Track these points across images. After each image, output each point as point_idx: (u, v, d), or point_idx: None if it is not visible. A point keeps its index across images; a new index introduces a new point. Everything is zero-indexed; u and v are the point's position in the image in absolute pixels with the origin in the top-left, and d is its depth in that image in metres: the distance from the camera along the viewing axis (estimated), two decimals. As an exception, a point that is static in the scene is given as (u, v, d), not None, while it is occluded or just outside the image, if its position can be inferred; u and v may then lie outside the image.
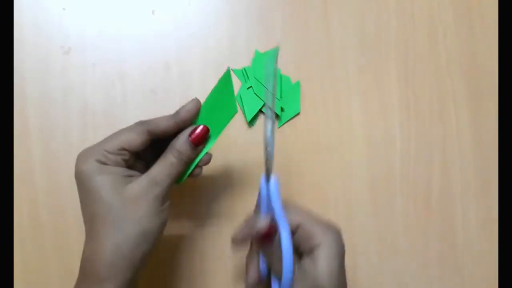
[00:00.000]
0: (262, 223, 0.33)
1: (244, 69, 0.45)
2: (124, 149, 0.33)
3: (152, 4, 0.46)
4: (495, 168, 0.47)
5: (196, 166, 0.36)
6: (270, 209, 0.34)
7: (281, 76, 0.46)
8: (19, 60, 0.44)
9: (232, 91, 0.34)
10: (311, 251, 0.33)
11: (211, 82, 0.37)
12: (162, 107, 0.45)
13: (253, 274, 0.37)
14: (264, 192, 0.35)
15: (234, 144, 0.45)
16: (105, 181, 0.32)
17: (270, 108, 0.33)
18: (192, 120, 0.36)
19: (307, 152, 0.46)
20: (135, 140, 0.34)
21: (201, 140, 0.35)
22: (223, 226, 0.45)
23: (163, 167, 0.34)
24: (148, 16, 0.46)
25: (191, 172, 0.37)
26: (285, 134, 0.46)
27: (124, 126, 0.44)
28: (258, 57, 0.46)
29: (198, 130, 0.35)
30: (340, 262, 0.33)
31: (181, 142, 0.35)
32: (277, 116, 0.46)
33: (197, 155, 0.36)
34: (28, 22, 0.45)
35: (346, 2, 0.47)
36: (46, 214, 0.44)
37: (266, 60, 0.34)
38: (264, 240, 0.33)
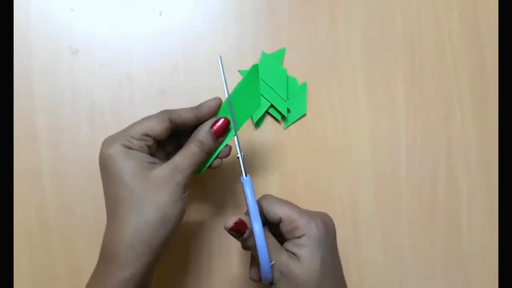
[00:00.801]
0: (228, 221, 0.34)
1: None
2: (147, 135, 0.35)
3: (159, 5, 0.46)
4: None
5: (216, 157, 0.38)
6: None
7: (287, 77, 0.46)
8: (27, 60, 0.45)
9: (258, 86, 0.36)
10: (294, 240, 0.35)
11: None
12: (169, 107, 0.45)
13: (253, 273, 0.38)
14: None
15: (241, 144, 0.45)
16: (129, 166, 0.33)
17: (232, 120, 0.36)
18: (211, 115, 0.37)
19: (314, 152, 0.46)
20: (158, 126, 0.35)
21: (222, 132, 0.36)
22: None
23: (185, 156, 0.35)
24: (156, 17, 0.46)
25: (211, 163, 0.38)
26: (291, 135, 0.46)
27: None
28: (265, 58, 0.46)
29: (220, 122, 0.36)
30: (325, 248, 0.35)
31: (203, 133, 0.36)
32: (283, 117, 0.46)
33: (218, 146, 0.37)
34: (37, 23, 0.45)
35: (353, 3, 0.47)
36: (54, 214, 0.44)
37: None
38: (237, 235, 0.34)
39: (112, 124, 0.44)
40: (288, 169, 0.46)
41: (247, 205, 0.36)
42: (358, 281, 0.46)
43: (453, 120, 0.47)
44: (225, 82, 0.37)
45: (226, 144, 0.38)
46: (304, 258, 0.34)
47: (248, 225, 0.34)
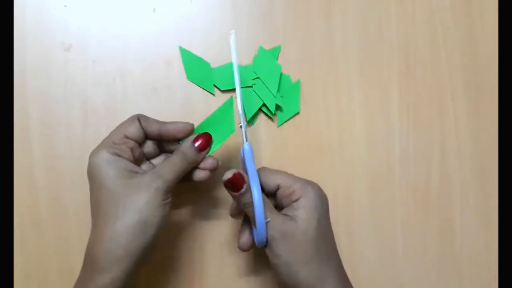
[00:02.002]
0: (227, 173, 0.35)
1: (246, 67, 0.46)
2: (126, 137, 0.36)
3: (153, 1, 0.46)
4: (494, 168, 0.47)
5: (203, 169, 0.38)
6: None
7: (281, 75, 0.46)
8: (20, 56, 0.44)
9: (232, 115, 0.38)
10: (291, 204, 0.36)
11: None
12: (163, 104, 0.45)
13: (243, 240, 0.39)
14: (242, 158, 0.38)
15: (234, 142, 0.45)
16: (112, 172, 0.34)
17: (238, 85, 0.37)
18: (177, 136, 0.38)
19: (307, 150, 0.46)
20: (131, 126, 0.37)
21: (205, 146, 0.37)
22: (222, 220, 0.45)
23: (166, 164, 0.36)
24: (150, 13, 0.46)
25: (193, 177, 0.38)
26: (284, 133, 0.46)
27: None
28: (261, 53, 0.46)
29: (203, 137, 0.37)
30: (320, 212, 0.36)
31: (186, 144, 0.37)
32: (276, 114, 0.46)
33: (202, 158, 0.38)
34: (30, 19, 0.45)
35: (348, 2, 0.47)
36: (47, 210, 0.44)
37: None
38: (234, 189, 0.35)
39: (105, 120, 0.44)
40: (281, 167, 0.46)
41: (244, 170, 0.36)
42: (352, 279, 0.45)
43: (446, 119, 0.47)
44: (235, 57, 0.38)
45: (214, 157, 0.39)
46: (300, 218, 0.35)
47: (246, 180, 0.35)
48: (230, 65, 0.45)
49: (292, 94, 0.46)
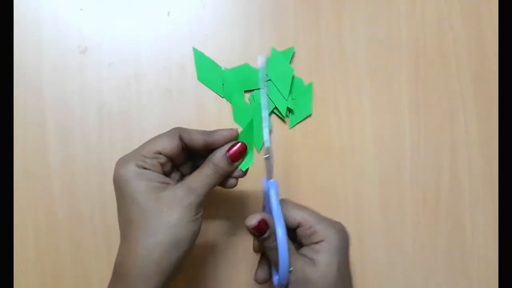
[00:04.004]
0: (251, 219, 0.34)
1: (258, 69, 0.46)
2: (159, 153, 0.34)
3: (167, 5, 0.46)
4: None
5: (232, 177, 0.37)
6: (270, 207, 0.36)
7: (293, 78, 0.46)
8: (37, 59, 0.45)
9: (252, 144, 0.37)
10: (312, 246, 0.35)
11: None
12: (177, 108, 0.46)
13: (261, 274, 0.38)
14: (265, 192, 0.37)
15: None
16: (142, 186, 0.33)
17: (266, 117, 0.34)
18: (222, 144, 0.36)
19: (318, 153, 0.47)
20: (168, 143, 0.35)
21: (238, 156, 0.36)
22: (234, 231, 0.46)
23: (198, 177, 0.35)
24: (164, 17, 0.46)
25: (225, 185, 0.37)
26: (296, 135, 0.46)
27: (139, 126, 0.46)
28: (274, 55, 0.46)
29: (236, 147, 0.36)
30: (342, 258, 0.35)
31: (219, 156, 0.36)
32: (286, 116, 0.46)
33: (233, 169, 0.36)
34: (46, 22, 0.46)
35: (358, 7, 0.48)
36: (62, 213, 0.44)
37: (260, 68, 0.36)
38: (257, 235, 0.34)
39: (120, 123, 0.45)
40: (293, 168, 0.46)
41: (268, 207, 0.36)
42: (362, 281, 0.46)
43: (456, 123, 0.48)
44: (263, 83, 0.36)
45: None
46: (321, 263, 0.34)
47: (270, 225, 0.34)
48: (240, 68, 0.46)
49: (304, 96, 0.46)
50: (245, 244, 0.45)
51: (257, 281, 0.38)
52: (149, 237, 0.32)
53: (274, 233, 0.34)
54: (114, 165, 0.44)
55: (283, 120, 0.46)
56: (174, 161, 0.37)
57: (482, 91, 0.48)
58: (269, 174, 0.36)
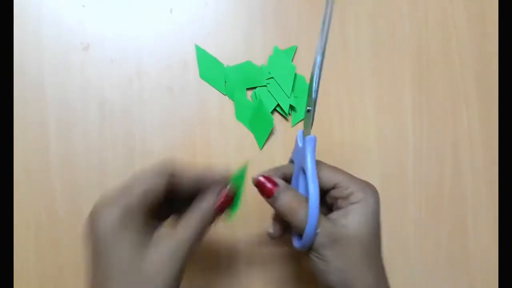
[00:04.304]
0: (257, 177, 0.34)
1: (261, 67, 0.46)
2: (146, 197, 0.31)
3: (170, 3, 0.46)
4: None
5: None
6: (302, 163, 0.34)
7: (296, 75, 0.46)
8: (39, 55, 0.45)
9: (242, 187, 0.35)
10: (347, 207, 0.34)
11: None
12: (179, 105, 0.46)
13: (275, 230, 0.37)
14: (299, 146, 0.35)
15: (249, 143, 0.46)
16: (125, 244, 0.29)
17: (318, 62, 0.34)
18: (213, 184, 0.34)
19: (320, 150, 0.47)
20: (159, 185, 0.31)
21: (225, 209, 0.34)
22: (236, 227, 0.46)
23: (188, 228, 0.32)
24: (166, 14, 0.46)
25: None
26: (298, 133, 0.46)
27: (141, 123, 0.46)
28: (276, 53, 0.46)
29: (223, 200, 0.34)
30: (376, 219, 0.34)
31: (206, 208, 0.33)
32: (289, 114, 0.46)
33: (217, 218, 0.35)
34: (48, 18, 0.46)
35: (361, 6, 0.48)
36: (63, 209, 0.44)
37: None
38: (265, 194, 0.34)
39: (121, 121, 0.45)
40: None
41: (298, 162, 0.35)
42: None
43: (459, 122, 0.48)
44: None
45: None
46: (355, 223, 0.33)
47: (279, 184, 0.33)
48: (242, 65, 0.46)
49: (306, 94, 0.46)
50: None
51: (271, 236, 0.37)
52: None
53: (282, 194, 0.33)
54: (115, 165, 0.45)
55: (285, 118, 0.46)
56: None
57: (485, 90, 0.48)
58: (307, 129, 0.34)
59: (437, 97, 0.48)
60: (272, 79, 0.46)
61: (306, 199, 0.33)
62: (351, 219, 0.33)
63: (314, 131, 0.46)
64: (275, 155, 0.46)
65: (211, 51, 0.46)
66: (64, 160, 0.45)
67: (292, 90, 0.46)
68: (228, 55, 0.46)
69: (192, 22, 0.46)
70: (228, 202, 0.34)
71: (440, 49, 0.48)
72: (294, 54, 0.47)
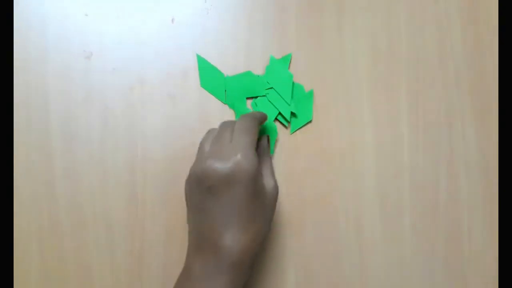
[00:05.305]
0: None
1: (259, 77, 0.47)
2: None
3: (172, 12, 0.47)
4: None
5: None
6: None
7: (293, 83, 0.47)
8: (42, 63, 0.46)
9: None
10: None
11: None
12: (180, 113, 0.46)
13: None
14: None
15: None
16: (260, 185, 0.37)
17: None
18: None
19: (319, 157, 0.48)
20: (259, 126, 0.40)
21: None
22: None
23: (271, 169, 0.41)
24: (168, 23, 0.47)
25: None
26: (297, 141, 0.47)
27: (142, 131, 0.46)
28: (273, 63, 0.47)
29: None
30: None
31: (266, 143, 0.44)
32: (288, 122, 0.47)
33: None
34: (52, 27, 0.46)
35: (359, 15, 0.48)
36: (65, 217, 0.45)
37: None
38: None
39: (123, 129, 0.46)
40: (294, 172, 0.47)
41: None
42: (360, 283, 0.47)
43: (455, 130, 0.48)
44: None
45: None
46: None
47: None
48: (242, 75, 0.47)
49: (305, 103, 0.47)
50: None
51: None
52: (265, 232, 0.37)
53: None
54: (116, 172, 0.45)
55: (284, 126, 0.47)
56: None
57: (480, 101, 0.49)
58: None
59: (433, 107, 0.48)
60: (272, 89, 0.47)
61: None
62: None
63: (312, 139, 0.47)
64: (276, 162, 0.47)
65: (212, 59, 0.47)
66: (66, 168, 0.45)
67: (292, 97, 0.47)
68: (229, 64, 0.47)
69: (194, 31, 0.47)
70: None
71: (435, 58, 0.49)
72: (290, 61, 0.47)
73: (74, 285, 0.44)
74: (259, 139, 0.40)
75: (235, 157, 0.35)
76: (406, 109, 0.48)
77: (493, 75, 0.49)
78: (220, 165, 0.35)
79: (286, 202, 0.47)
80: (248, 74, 0.47)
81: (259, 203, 0.36)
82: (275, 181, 0.38)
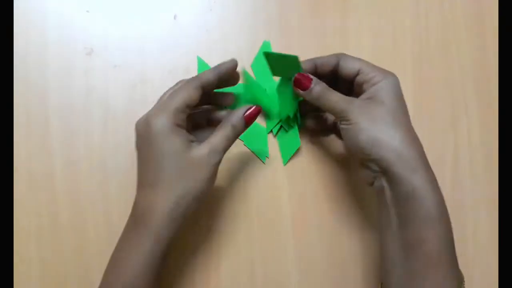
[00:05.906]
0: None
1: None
2: (187, 106, 0.37)
3: (174, 8, 0.47)
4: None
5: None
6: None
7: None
8: (43, 60, 0.45)
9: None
10: (370, 88, 0.38)
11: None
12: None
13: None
14: None
15: (251, 152, 0.46)
16: (176, 145, 0.36)
17: None
18: (230, 73, 0.40)
19: (325, 155, 0.47)
20: (195, 95, 0.37)
21: (253, 119, 0.39)
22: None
23: (221, 139, 0.38)
24: (170, 20, 0.46)
25: None
26: (302, 142, 0.47)
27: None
28: (265, 47, 0.46)
29: (252, 109, 0.39)
30: (400, 95, 0.38)
31: (237, 118, 0.38)
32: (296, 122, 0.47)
33: (243, 131, 0.39)
34: (53, 23, 0.46)
35: (363, 16, 0.48)
36: (65, 215, 0.44)
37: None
38: (302, 87, 0.39)
39: (124, 127, 0.45)
40: (298, 176, 0.47)
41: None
42: (364, 283, 0.47)
43: (460, 131, 0.48)
44: None
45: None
46: (382, 96, 0.37)
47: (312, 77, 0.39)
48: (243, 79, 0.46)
49: (290, 133, 0.47)
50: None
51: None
52: (181, 188, 0.36)
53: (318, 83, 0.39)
54: (117, 170, 0.45)
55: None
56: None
57: (484, 97, 0.49)
58: None
59: (438, 106, 0.48)
60: (272, 93, 0.46)
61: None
62: (376, 92, 0.37)
63: (318, 138, 0.47)
64: (277, 167, 0.47)
65: (214, 57, 0.46)
66: (66, 165, 0.45)
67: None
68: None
69: (196, 28, 0.47)
70: (255, 114, 0.39)
71: (440, 59, 0.49)
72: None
73: (74, 285, 0.44)
74: (236, 109, 0.39)
75: (146, 115, 0.37)
76: (411, 110, 0.47)
77: (497, 72, 0.49)
78: (138, 121, 0.37)
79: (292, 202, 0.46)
80: (246, 74, 0.45)
81: (168, 162, 0.36)
82: (210, 149, 0.37)
